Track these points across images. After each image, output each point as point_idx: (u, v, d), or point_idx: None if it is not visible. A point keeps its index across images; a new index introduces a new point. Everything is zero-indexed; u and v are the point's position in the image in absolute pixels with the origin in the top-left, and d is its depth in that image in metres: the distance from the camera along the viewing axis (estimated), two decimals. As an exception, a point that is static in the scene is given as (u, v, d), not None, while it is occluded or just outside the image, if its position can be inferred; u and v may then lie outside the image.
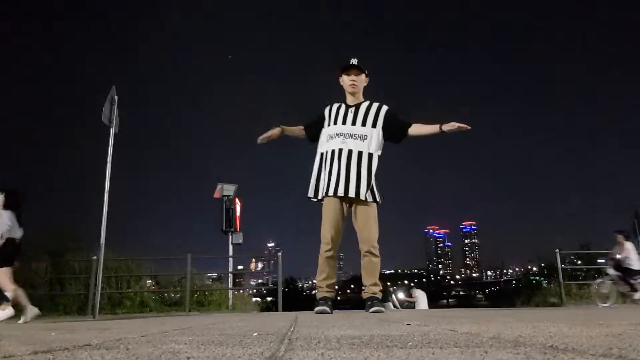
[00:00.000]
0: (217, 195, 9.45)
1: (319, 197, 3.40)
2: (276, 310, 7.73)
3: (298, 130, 3.65)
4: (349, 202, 3.34)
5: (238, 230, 9.36)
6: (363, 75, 3.46)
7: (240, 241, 9.35)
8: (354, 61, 3.41)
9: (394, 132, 3.41)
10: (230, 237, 9.22)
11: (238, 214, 9.47)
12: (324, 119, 3.51)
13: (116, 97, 5.43)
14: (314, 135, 3.57)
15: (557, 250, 8.17)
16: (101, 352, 1.06)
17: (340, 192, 3.24)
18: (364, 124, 3.34)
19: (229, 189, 9.40)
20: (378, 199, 3.32)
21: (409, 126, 3.38)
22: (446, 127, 3.23)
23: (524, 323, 1.76)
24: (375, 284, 3.27)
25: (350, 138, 3.30)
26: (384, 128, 3.37)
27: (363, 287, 3.34)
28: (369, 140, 3.31)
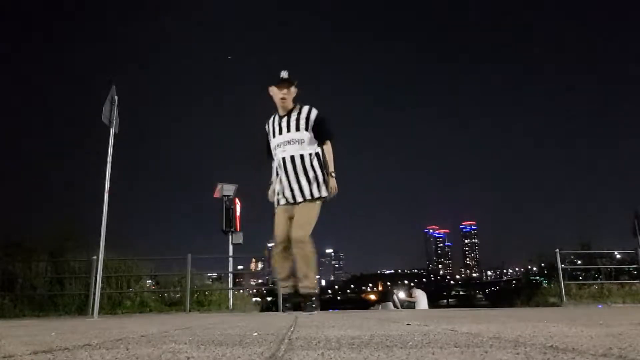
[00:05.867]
0: (217, 195, 9.43)
1: (275, 205, 3.74)
2: (276, 310, 7.72)
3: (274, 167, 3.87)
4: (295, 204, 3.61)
5: (238, 230, 9.35)
6: (292, 88, 3.69)
7: (240, 241, 9.33)
8: (284, 74, 3.67)
9: (316, 135, 3.67)
10: (230, 237, 9.21)
11: (238, 214, 9.45)
12: (267, 133, 3.82)
13: (116, 97, 5.42)
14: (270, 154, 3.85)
15: (557, 250, 8.15)
16: (101, 352, 1.07)
17: (289, 200, 3.58)
18: (297, 128, 3.63)
19: (229, 189, 9.38)
20: (324, 194, 3.58)
21: (325, 142, 3.69)
22: (331, 181, 3.60)
23: (524, 323, 1.77)
24: (305, 276, 3.45)
25: (289, 144, 3.60)
26: (312, 129, 3.65)
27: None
28: (306, 142, 3.61)
